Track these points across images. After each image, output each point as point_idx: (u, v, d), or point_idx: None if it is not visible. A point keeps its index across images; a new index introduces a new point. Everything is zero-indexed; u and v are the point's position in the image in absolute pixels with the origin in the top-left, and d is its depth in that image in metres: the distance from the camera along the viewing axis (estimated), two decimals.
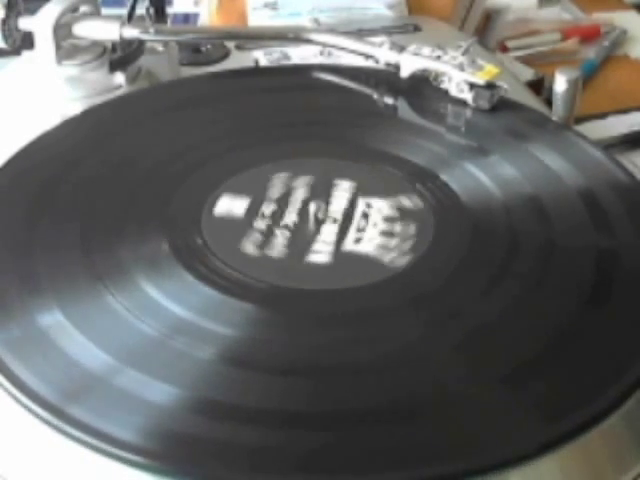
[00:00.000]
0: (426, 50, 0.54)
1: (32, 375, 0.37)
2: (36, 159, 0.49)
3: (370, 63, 0.56)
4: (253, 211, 0.45)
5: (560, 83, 0.52)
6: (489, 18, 0.80)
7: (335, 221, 0.44)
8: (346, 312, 0.40)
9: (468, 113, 0.52)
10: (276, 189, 0.46)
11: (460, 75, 0.52)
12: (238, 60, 0.63)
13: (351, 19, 0.69)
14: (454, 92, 0.53)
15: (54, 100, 0.56)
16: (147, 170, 0.48)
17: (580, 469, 0.36)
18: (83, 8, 0.57)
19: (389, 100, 0.55)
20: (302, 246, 0.43)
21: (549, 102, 0.55)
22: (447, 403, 0.36)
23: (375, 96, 0.55)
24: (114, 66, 0.57)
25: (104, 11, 0.60)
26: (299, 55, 0.63)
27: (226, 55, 0.64)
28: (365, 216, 0.45)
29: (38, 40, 0.55)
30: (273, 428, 0.35)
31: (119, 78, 0.57)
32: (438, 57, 0.54)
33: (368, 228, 0.44)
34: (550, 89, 0.54)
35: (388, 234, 0.44)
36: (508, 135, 0.51)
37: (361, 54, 0.56)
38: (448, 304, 0.40)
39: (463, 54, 0.54)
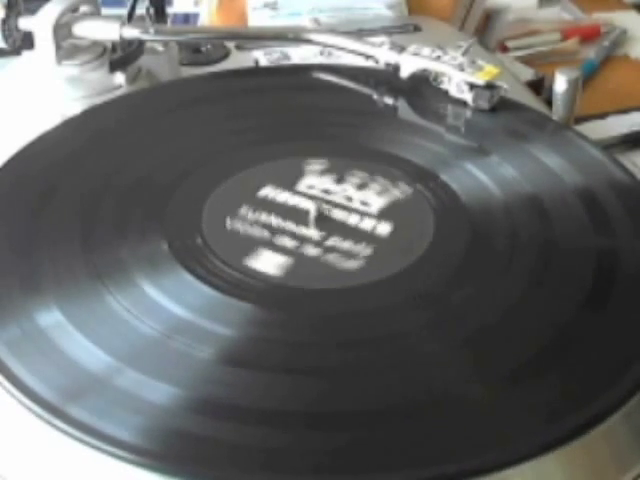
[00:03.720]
0: (426, 50, 0.54)
1: (32, 375, 0.37)
2: (36, 159, 0.49)
3: (370, 63, 0.56)
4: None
5: (560, 83, 0.52)
6: (489, 18, 0.80)
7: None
8: (346, 312, 0.40)
9: (468, 113, 0.52)
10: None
11: (460, 75, 0.52)
12: (238, 60, 0.63)
13: (351, 19, 0.69)
14: (454, 92, 0.53)
15: (54, 100, 0.56)
16: (147, 170, 0.48)
17: (580, 469, 0.36)
18: (83, 8, 0.57)
19: (389, 100, 0.55)
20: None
21: (549, 102, 0.55)
22: (447, 403, 0.36)
23: (375, 96, 0.55)
24: (114, 66, 0.57)
25: (104, 11, 0.60)
26: (299, 55, 0.63)
27: (226, 55, 0.64)
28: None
29: (38, 40, 0.55)
30: (273, 428, 0.35)
31: (119, 78, 0.57)
32: (438, 57, 0.54)
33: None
34: (550, 89, 0.54)
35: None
36: (508, 135, 0.51)
37: (361, 54, 0.56)
38: (448, 304, 0.40)
39: (463, 54, 0.54)
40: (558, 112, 0.53)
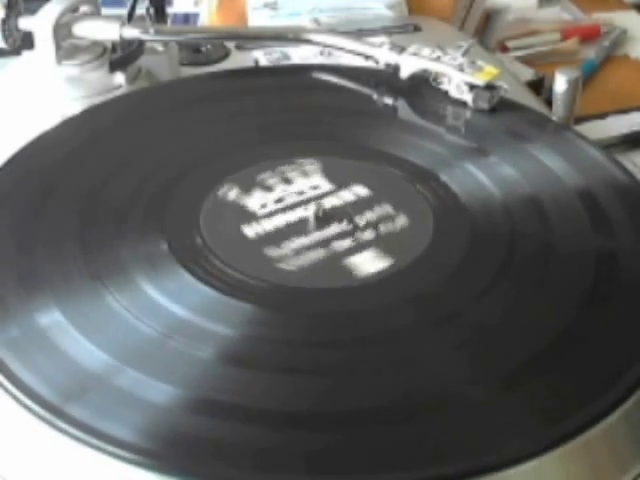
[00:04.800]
0: (426, 51, 0.54)
1: (32, 375, 0.37)
2: (36, 159, 0.49)
3: (370, 63, 0.56)
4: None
5: (560, 83, 0.52)
6: (489, 18, 0.80)
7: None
8: (346, 312, 0.40)
9: (468, 114, 0.52)
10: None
11: (460, 76, 0.52)
12: (238, 60, 0.63)
13: (351, 19, 0.69)
14: (454, 93, 0.53)
15: (54, 100, 0.56)
16: (147, 170, 0.48)
17: (580, 469, 0.36)
18: (83, 8, 0.57)
19: (389, 100, 0.55)
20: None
21: (549, 102, 0.55)
22: (447, 403, 0.36)
23: (375, 96, 0.55)
24: (114, 66, 0.57)
25: (104, 11, 0.60)
26: (299, 55, 0.63)
27: (226, 55, 0.64)
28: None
29: (38, 40, 0.55)
30: (273, 428, 0.35)
31: (119, 78, 0.57)
32: (438, 58, 0.54)
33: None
34: (550, 89, 0.54)
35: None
36: (508, 135, 0.51)
37: (361, 54, 0.56)
38: (448, 304, 0.40)
39: (463, 55, 0.54)
40: (558, 112, 0.53)
